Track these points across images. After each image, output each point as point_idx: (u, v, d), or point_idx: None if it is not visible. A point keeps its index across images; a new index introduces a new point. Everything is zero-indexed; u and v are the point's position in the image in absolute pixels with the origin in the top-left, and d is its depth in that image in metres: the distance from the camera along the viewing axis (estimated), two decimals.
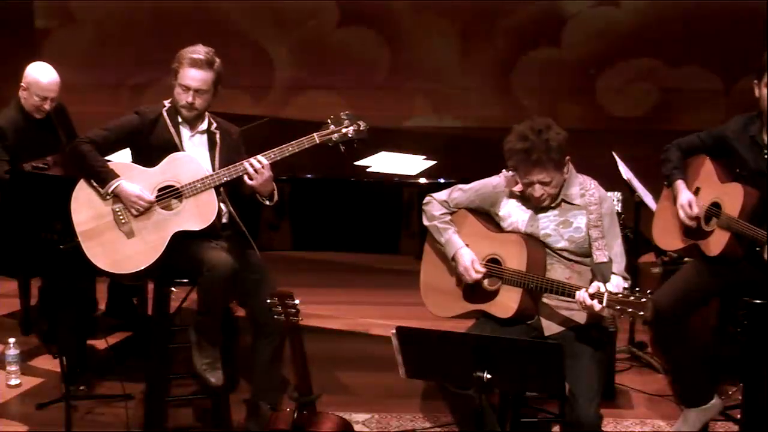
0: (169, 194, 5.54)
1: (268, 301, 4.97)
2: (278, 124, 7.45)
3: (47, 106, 6.76)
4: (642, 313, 4.61)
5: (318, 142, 5.61)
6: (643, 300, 4.59)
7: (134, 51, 8.74)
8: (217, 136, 5.69)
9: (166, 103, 5.66)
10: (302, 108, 8.65)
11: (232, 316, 6.02)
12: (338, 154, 5.70)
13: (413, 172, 6.20)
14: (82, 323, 6.49)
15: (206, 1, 8.85)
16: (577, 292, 4.75)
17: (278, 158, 5.55)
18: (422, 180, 6.09)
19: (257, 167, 5.48)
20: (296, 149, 5.57)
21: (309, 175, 6.13)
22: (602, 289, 4.69)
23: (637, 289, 4.66)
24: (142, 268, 5.52)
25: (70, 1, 8.96)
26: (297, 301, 4.91)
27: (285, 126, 7.41)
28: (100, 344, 6.84)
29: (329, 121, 5.67)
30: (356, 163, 6.30)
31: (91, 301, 6.94)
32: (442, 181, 5.86)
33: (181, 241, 5.51)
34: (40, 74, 6.73)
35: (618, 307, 4.64)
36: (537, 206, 5.01)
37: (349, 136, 5.66)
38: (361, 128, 5.66)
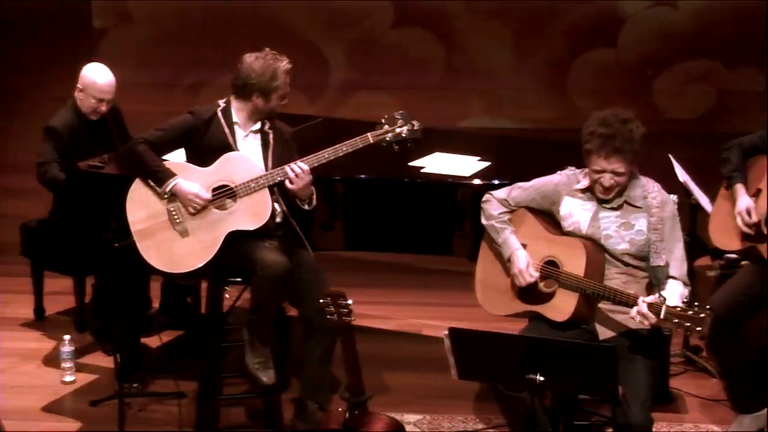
0: (223, 194, 5.57)
1: (321, 301, 4.99)
2: (333, 124, 7.47)
3: (103, 108, 6.81)
4: (699, 328, 4.57)
5: (372, 142, 5.62)
6: (702, 315, 4.55)
7: (189, 51, 8.79)
8: (271, 136, 5.73)
9: (221, 102, 5.70)
10: (356, 108, 8.66)
11: (285, 315, 6.04)
12: (392, 154, 5.71)
13: (467, 173, 6.19)
14: (136, 321, 6.54)
15: (261, 1, 8.88)
16: (635, 307, 4.71)
17: (331, 158, 5.57)
18: (476, 181, 6.08)
19: (297, 172, 5.51)
20: (350, 149, 5.59)
21: (363, 176, 6.13)
22: (660, 302, 4.65)
23: (696, 303, 4.61)
24: (196, 267, 5.56)
25: (127, 1, 9.03)
26: (349, 302, 4.92)
27: (339, 126, 7.43)
28: (154, 342, 6.90)
29: (383, 120, 5.69)
30: (410, 163, 6.30)
31: (145, 299, 7.00)
32: (496, 182, 5.85)
33: (235, 240, 5.53)
34: (97, 76, 6.78)
35: (675, 321, 4.61)
36: (601, 200, 4.98)
37: (403, 135, 5.67)
38: (415, 128, 5.68)
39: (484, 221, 5.23)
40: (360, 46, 8.93)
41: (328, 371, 5.68)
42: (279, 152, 5.71)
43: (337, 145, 5.59)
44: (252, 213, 5.55)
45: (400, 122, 5.67)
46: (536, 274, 5.04)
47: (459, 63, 8.91)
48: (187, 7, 8.89)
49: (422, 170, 6.26)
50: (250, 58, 5.64)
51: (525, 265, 5.05)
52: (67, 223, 6.73)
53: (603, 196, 4.98)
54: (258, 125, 5.71)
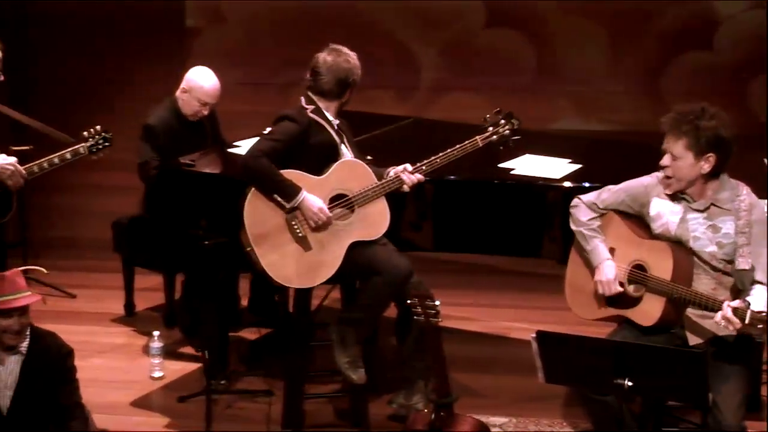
0: (342, 204, 5.59)
1: (409, 302, 5.01)
2: (423, 124, 7.49)
3: (206, 112, 6.90)
4: None
5: (481, 145, 5.66)
6: None
7: (281, 50, 8.84)
8: (342, 127, 5.79)
9: (305, 105, 5.71)
10: (447, 109, 8.65)
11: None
12: (482, 155, 5.72)
13: (558, 176, 6.17)
14: (225, 318, 6.60)
15: (353, 0, 8.92)
16: (719, 312, 4.67)
17: (443, 164, 5.61)
18: (567, 183, 6.06)
19: (414, 182, 5.58)
20: (460, 154, 5.62)
21: (452, 177, 6.14)
22: (745, 306, 4.61)
23: None
24: (321, 282, 5.60)
25: (220, 0, 9.12)
26: (437, 303, 4.93)
27: (430, 127, 7.45)
28: (242, 340, 6.96)
29: (485, 121, 5.70)
30: (500, 165, 6.29)
31: (233, 296, 7.06)
32: (587, 185, 5.82)
33: (351, 247, 5.58)
34: (203, 79, 6.87)
35: (760, 326, 4.57)
36: (689, 201, 4.96)
37: (507, 134, 5.73)
38: (515, 126, 5.73)
39: (573, 227, 5.22)
40: (452, 47, 8.93)
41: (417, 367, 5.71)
42: (352, 142, 5.78)
43: (448, 150, 5.61)
44: (371, 223, 5.57)
45: (502, 122, 5.73)
46: (620, 289, 5.03)
47: (551, 64, 8.87)
48: (280, 6, 8.95)
49: (512, 172, 6.25)
50: (338, 57, 5.66)
51: (612, 276, 5.04)
52: (158, 220, 6.83)
53: (664, 188, 4.97)
54: (336, 120, 5.76)
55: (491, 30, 8.88)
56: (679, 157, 4.91)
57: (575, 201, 5.26)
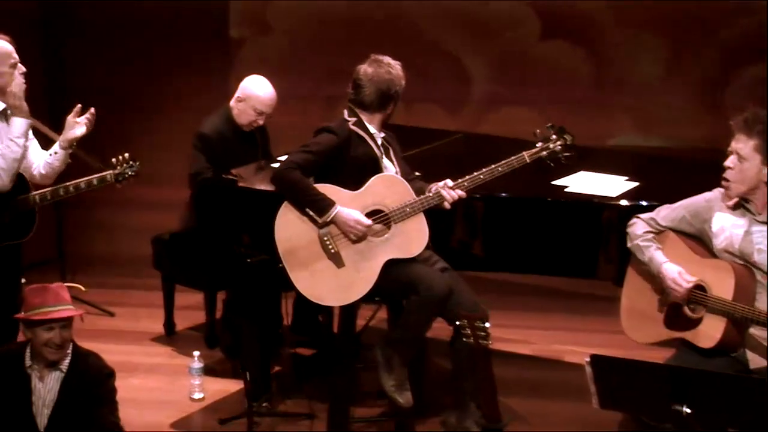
0: (378, 220, 5.61)
1: (458, 323, 5.01)
2: (474, 139, 7.49)
3: (261, 122, 6.94)
4: None
5: (528, 161, 5.62)
6: None
7: (327, 62, 8.88)
8: (388, 140, 5.79)
9: (348, 117, 5.74)
10: (499, 124, 8.64)
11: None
12: (534, 171, 5.71)
13: (614, 194, 6.15)
14: (267, 338, 6.62)
15: (403, 11, 8.94)
16: None
17: (486, 180, 5.60)
18: (623, 202, 6.04)
19: (455, 198, 5.56)
20: (505, 170, 5.59)
21: (504, 194, 6.14)
22: None
23: None
24: (353, 301, 5.61)
25: (265, 10, 9.17)
26: (487, 324, 4.93)
27: (481, 142, 7.45)
28: (285, 361, 6.98)
29: (536, 135, 5.68)
30: (554, 182, 6.29)
31: (276, 316, 7.07)
32: (644, 203, 5.81)
33: (387, 264, 5.59)
34: (260, 88, 6.91)
35: None
36: (753, 214, 4.94)
37: (558, 150, 5.67)
38: (568, 142, 5.67)
39: (629, 244, 5.21)
40: (505, 59, 8.93)
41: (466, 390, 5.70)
42: (398, 157, 5.78)
43: (492, 166, 5.59)
44: (408, 240, 5.57)
45: (553, 137, 5.68)
46: (693, 279, 4.99)
47: (608, 77, 8.85)
48: (326, 17, 8.99)
49: (566, 189, 6.24)
50: (379, 69, 5.68)
51: (677, 273, 5.01)
52: (199, 236, 6.87)
53: (724, 193, 4.96)
54: (381, 133, 5.77)
55: (546, 42, 8.88)
56: (747, 158, 4.88)
57: (633, 220, 5.25)
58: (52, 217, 8.38)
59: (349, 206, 5.56)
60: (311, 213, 5.55)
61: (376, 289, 5.58)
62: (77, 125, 5.80)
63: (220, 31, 9.15)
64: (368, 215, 5.58)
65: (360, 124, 5.70)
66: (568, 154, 5.71)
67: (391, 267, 5.56)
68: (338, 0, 8.96)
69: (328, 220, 5.53)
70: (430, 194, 5.59)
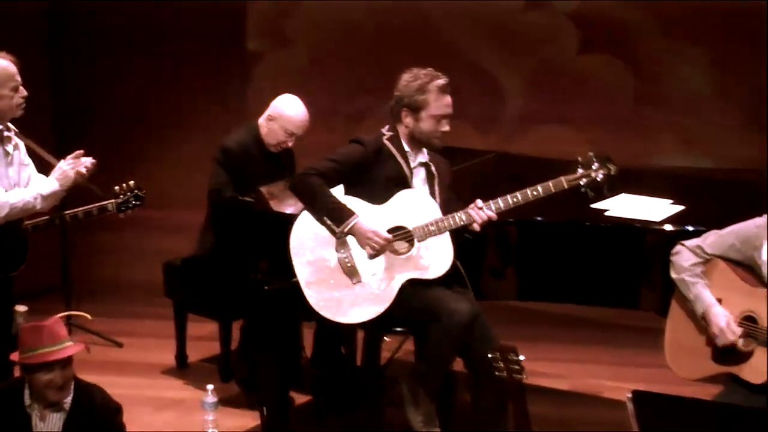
0: (400, 237, 5.63)
1: (489, 356, 5.01)
2: (507, 160, 7.49)
3: (291, 143, 6.99)
4: None
5: (565, 187, 5.63)
6: None
7: (351, 77, 8.91)
8: (433, 167, 5.80)
9: (385, 131, 5.79)
10: (534, 143, 8.64)
11: (449, 370, 6.08)
12: (572, 194, 5.72)
13: (657, 218, 6.15)
14: (286, 371, 6.63)
15: (432, 22, 8.96)
16: None
17: (520, 203, 5.61)
18: (667, 227, 6.04)
19: (484, 220, 5.56)
20: (540, 194, 5.60)
21: (539, 218, 6.15)
22: None
23: None
24: (368, 319, 5.63)
25: (284, 21, 9.20)
26: (521, 357, 4.92)
27: (514, 162, 7.45)
28: (304, 395, 6.99)
29: (578, 161, 5.68)
30: (593, 205, 6.29)
31: (295, 348, 7.08)
32: (690, 228, 5.81)
33: (409, 287, 5.60)
34: (292, 108, 6.96)
35: None
36: None
37: (599, 180, 5.66)
38: (611, 172, 5.65)
39: (673, 275, 5.21)
40: (540, 74, 8.94)
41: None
42: (443, 185, 5.80)
43: (527, 189, 5.61)
44: (431, 261, 5.60)
45: (596, 165, 5.66)
46: (739, 330, 4.99)
47: (651, 93, 8.85)
48: (350, 29, 9.02)
49: (606, 213, 6.24)
50: (406, 75, 5.74)
51: (725, 321, 5.01)
52: (213, 261, 6.89)
53: None
54: (424, 157, 5.79)
55: (585, 56, 8.89)
56: None
57: (677, 248, 5.25)
58: (56, 240, 8.42)
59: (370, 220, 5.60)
60: (329, 222, 5.60)
61: (394, 311, 5.59)
62: (68, 175, 5.66)
63: (236, 44, 9.18)
64: (390, 231, 5.62)
65: (395, 139, 5.76)
66: (610, 184, 5.68)
67: (411, 289, 5.59)
68: (362, 10, 8.99)
69: (346, 230, 5.58)
70: (458, 214, 5.60)
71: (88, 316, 5.52)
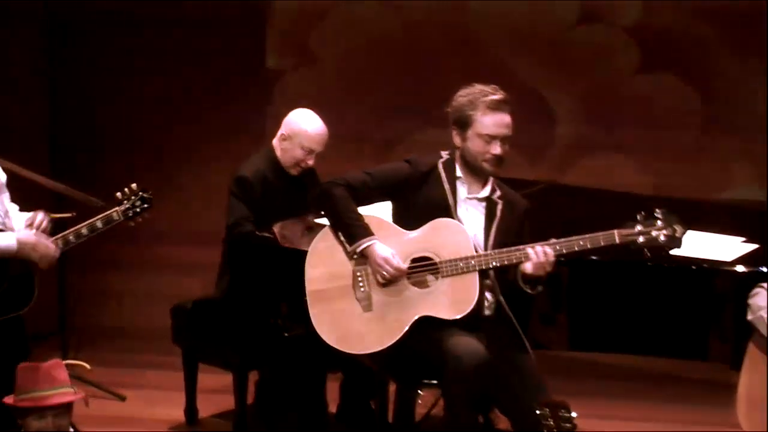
0: (423, 268, 5.63)
1: (538, 411, 4.99)
2: (558, 191, 7.48)
3: (311, 162, 6.98)
4: None
5: (618, 242, 5.58)
6: None
7: (383, 98, 8.91)
8: (499, 207, 5.77)
9: (444, 154, 5.80)
10: (588, 172, 8.62)
11: (493, 427, 6.06)
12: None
13: (729, 257, 6.13)
14: (308, 428, 6.62)
15: (470, 37, 8.96)
16: None
17: (563, 252, 5.59)
18: (740, 267, 6.01)
19: (542, 259, 5.53)
20: (588, 245, 5.57)
21: (594, 257, 6.13)
22: None
23: None
24: (372, 351, 5.63)
25: (308, 35, 9.20)
26: (573, 414, 4.91)
27: (567, 194, 7.43)
28: None
29: (639, 215, 5.63)
30: None
31: (319, 401, 7.07)
32: (765, 270, 5.78)
33: (424, 325, 5.60)
34: (308, 122, 6.98)
35: None
36: None
37: (660, 241, 5.60)
38: (676, 234, 5.57)
39: (750, 316, 5.18)
40: (596, 96, 8.93)
41: None
42: (504, 229, 5.75)
43: (573, 239, 5.58)
44: (452, 299, 5.59)
45: (659, 223, 5.60)
46: None
47: (721, 117, 8.82)
48: (383, 44, 9.02)
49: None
50: (460, 93, 5.76)
51: None
52: (228, 304, 6.89)
53: None
54: (487, 190, 5.77)
55: (645, 75, 8.87)
56: None
57: (756, 289, 5.23)
58: (52, 281, 8.43)
59: (391, 243, 5.63)
60: (342, 239, 5.68)
61: (400, 349, 5.60)
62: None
63: (256, 60, 9.20)
64: (416, 261, 5.63)
65: (448, 163, 5.78)
66: (673, 247, 5.60)
67: (424, 327, 5.60)
68: (396, 23, 8.99)
69: (358, 250, 5.63)
70: (493, 252, 5.59)
71: (87, 366, 5.50)
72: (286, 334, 6.36)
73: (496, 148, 5.68)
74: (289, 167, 7.01)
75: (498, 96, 5.70)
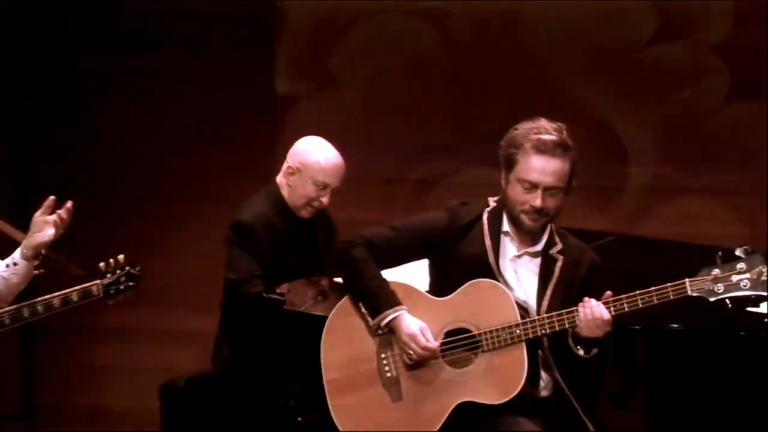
0: (459, 342, 5.59)
1: None
2: (632, 244, 7.45)
3: (326, 200, 6.91)
4: None
5: (690, 293, 5.51)
6: None
7: (416, 130, 8.91)
8: (558, 264, 5.72)
9: (491, 201, 5.77)
10: (668, 220, 8.61)
11: None
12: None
13: None
14: None
15: (527, 58, 8.96)
16: None
17: (625, 311, 5.53)
18: None
19: (591, 317, 5.48)
20: (655, 300, 5.51)
21: (675, 325, 6.09)
22: None
23: None
24: None
25: (327, 56, 9.19)
26: None
27: (642, 248, 7.41)
28: None
29: (718, 256, 5.57)
30: (749, 308, 6.21)
31: None
32: None
33: (468, 414, 5.56)
34: (320, 152, 6.94)
35: None
36: None
37: (743, 288, 5.53)
38: (763, 277, 5.51)
39: None
40: (677, 128, 8.91)
41: None
42: (562, 290, 5.71)
43: (638, 292, 5.51)
44: (497, 379, 5.57)
45: (740, 266, 5.52)
46: None
47: None
48: (419, 65, 9.02)
49: (767, 320, 6.19)
50: (513, 130, 5.72)
51: None
52: (229, 382, 6.87)
53: None
54: (542, 243, 5.73)
55: (736, 105, 8.84)
56: None
57: None
58: (15, 354, 8.44)
59: (424, 315, 5.60)
60: (363, 311, 5.66)
61: None
62: (46, 226, 5.68)
63: (262, 86, 9.20)
64: (450, 334, 5.61)
65: (494, 212, 5.74)
66: (760, 293, 5.55)
67: (466, 415, 5.57)
68: (434, 41, 8.99)
69: (382, 324, 5.61)
70: (542, 318, 5.56)
71: None
72: (300, 419, 6.32)
73: (536, 200, 5.58)
74: (298, 208, 6.96)
75: (550, 137, 5.61)
